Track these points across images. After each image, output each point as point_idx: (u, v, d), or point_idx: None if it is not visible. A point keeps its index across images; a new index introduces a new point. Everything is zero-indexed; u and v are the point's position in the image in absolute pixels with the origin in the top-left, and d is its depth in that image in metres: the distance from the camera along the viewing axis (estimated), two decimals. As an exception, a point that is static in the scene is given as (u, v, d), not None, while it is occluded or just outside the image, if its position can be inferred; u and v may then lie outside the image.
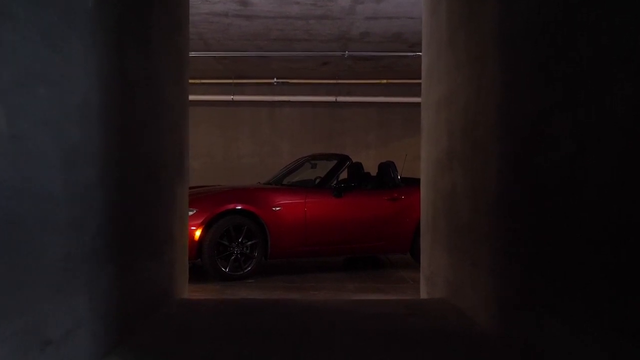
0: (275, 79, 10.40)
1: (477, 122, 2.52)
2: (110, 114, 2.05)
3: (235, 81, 10.41)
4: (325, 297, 5.71)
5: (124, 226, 2.18)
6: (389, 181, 7.54)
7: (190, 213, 6.44)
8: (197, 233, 6.37)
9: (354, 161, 7.53)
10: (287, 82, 10.43)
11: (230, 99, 10.45)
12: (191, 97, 10.48)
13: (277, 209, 6.71)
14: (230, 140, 10.74)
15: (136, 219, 2.34)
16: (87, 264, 1.83)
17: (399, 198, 7.35)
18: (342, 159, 7.43)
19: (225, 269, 6.46)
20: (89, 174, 1.84)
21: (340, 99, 10.44)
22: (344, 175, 7.56)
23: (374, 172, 7.93)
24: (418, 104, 10.80)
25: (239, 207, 6.56)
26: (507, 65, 2.23)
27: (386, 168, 7.62)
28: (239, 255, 6.52)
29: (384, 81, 10.43)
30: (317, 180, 7.46)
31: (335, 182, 7.20)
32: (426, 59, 3.56)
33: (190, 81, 10.42)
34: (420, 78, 10.39)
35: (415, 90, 10.66)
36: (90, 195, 1.84)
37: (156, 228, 2.65)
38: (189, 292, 6.20)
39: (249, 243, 6.55)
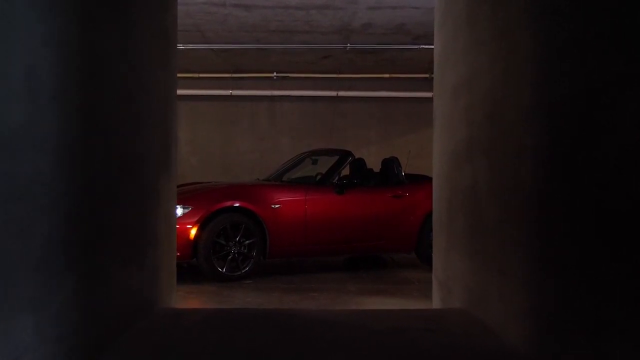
0: (275, 73, 9.99)
1: (505, 107, 2.13)
2: (69, 94, 1.66)
3: (234, 75, 10.00)
4: (327, 303, 5.31)
5: (89, 228, 1.80)
6: (393, 178, 7.14)
7: (185, 211, 6.06)
8: (193, 232, 5.98)
9: (356, 157, 7.13)
10: (287, 76, 10.02)
11: (229, 94, 10.04)
12: (189, 92, 10.14)
13: (277, 206, 6.32)
14: (229, 136, 10.34)
15: (107, 219, 1.95)
16: (33, 278, 1.44)
17: (403, 195, 6.95)
18: (344, 155, 7.03)
19: (222, 270, 6.07)
20: (36, 165, 1.45)
21: (342, 93, 10.04)
22: (346, 171, 7.16)
23: (375, 168, 7.53)
24: (421, 99, 10.51)
25: (237, 205, 6.16)
26: (545, 37, 1.84)
27: (390, 164, 7.22)
28: (236, 255, 6.13)
29: (387, 75, 10.02)
30: (318, 177, 7.05)
31: (337, 178, 6.80)
32: (439, 41, 3.17)
33: (188, 75, 10.09)
34: (423, 72, 10.06)
35: (419, 84, 10.37)
36: (37, 191, 1.45)
37: (135, 229, 2.26)
38: (184, 293, 5.83)
39: (247, 242, 6.16)
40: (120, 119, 2.09)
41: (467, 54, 2.58)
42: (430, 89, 10.16)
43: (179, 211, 6.07)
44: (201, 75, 10.01)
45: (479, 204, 2.45)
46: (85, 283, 1.77)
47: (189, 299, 5.46)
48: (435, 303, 3.18)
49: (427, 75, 10.07)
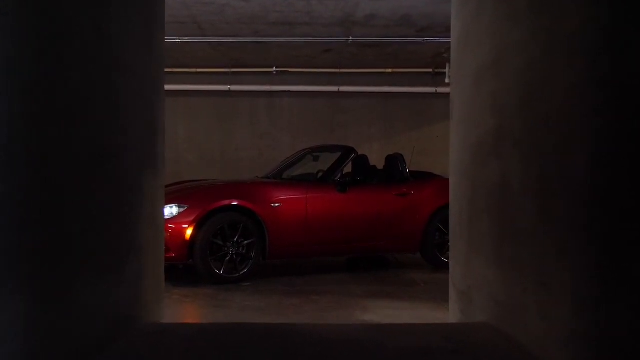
0: (274, 68, 9.62)
1: (546, 89, 1.77)
2: (11, 70, 1.31)
3: (233, 70, 9.63)
4: (330, 307, 4.95)
5: (46, 234, 1.45)
6: (397, 175, 6.77)
7: (181, 210, 5.71)
8: (188, 232, 5.62)
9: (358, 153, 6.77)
10: (287, 71, 9.65)
11: (227, 89, 9.67)
12: (186, 87, 9.75)
13: (276, 205, 5.96)
14: (227, 133, 9.98)
15: (73, 222, 1.60)
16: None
17: (408, 193, 6.59)
18: (347, 151, 6.67)
19: (220, 271, 5.72)
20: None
21: (343, 89, 9.67)
22: (348, 168, 6.80)
23: (377, 166, 7.16)
24: (425, 95, 10.13)
25: (235, 204, 5.80)
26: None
27: (394, 161, 6.86)
28: (234, 256, 5.77)
29: (389, 70, 9.65)
30: (320, 174, 6.69)
31: (339, 176, 6.44)
32: (458, 21, 2.80)
33: (185, 70, 9.70)
34: (427, 67, 9.68)
35: (422, 79, 10.01)
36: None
37: (111, 233, 1.90)
38: (179, 297, 5.47)
39: (246, 242, 5.80)
40: (92, 104, 1.73)
41: (494, 32, 2.23)
42: (434, 84, 9.85)
43: (174, 210, 5.72)
44: (198, 70, 9.64)
45: (509, 204, 2.09)
46: (40, 300, 1.42)
47: (184, 303, 5.10)
48: (453, 314, 2.83)
49: (430, 70, 9.71)
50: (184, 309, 4.99)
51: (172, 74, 9.66)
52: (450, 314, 2.93)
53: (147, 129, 2.32)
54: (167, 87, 9.62)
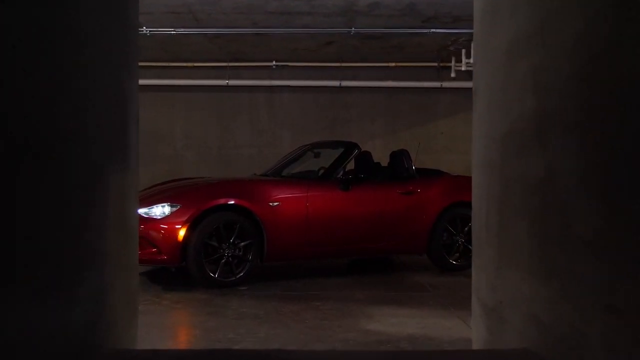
0: (274, 62, 9.16)
1: (622, 53, 1.34)
2: None
3: (231, 64, 9.17)
4: (332, 315, 4.51)
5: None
6: (403, 172, 6.33)
7: (173, 209, 5.27)
8: (181, 232, 5.18)
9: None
10: (287, 65, 9.20)
11: (225, 84, 9.22)
12: (182, 82, 9.26)
13: (275, 204, 5.52)
14: (225, 129, 9.53)
15: (2, 229, 1.17)
16: None
17: (415, 191, 6.15)
18: (349, 147, 6.22)
19: (214, 275, 5.28)
20: None
21: (345, 83, 9.21)
22: (350, 165, 6.36)
23: (380, 163, 6.71)
24: (429, 90, 9.62)
25: (231, 203, 5.36)
26: None
27: (399, 157, 6.41)
28: (230, 258, 5.33)
29: (393, 64, 9.19)
30: (321, 172, 6.25)
31: (341, 173, 5.99)
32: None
33: (181, 64, 9.21)
34: (432, 60, 9.17)
35: (427, 74, 9.54)
36: None
37: (57, 242, 1.47)
38: (170, 303, 5.01)
39: (242, 244, 5.36)
40: (34, 81, 1.29)
41: (536, -7, 1.79)
42: (439, 79, 9.39)
43: (167, 210, 5.28)
44: (196, 64, 9.18)
45: (558, 204, 1.65)
46: None
47: (174, 311, 4.66)
48: (478, 332, 2.38)
49: (435, 64, 9.25)
50: (174, 317, 4.55)
51: (168, 68, 9.22)
52: (474, 332, 2.49)
53: (114, 114, 1.88)
54: (163, 82, 9.19)
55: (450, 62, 8.83)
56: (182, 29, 7.34)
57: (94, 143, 1.73)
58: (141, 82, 8.88)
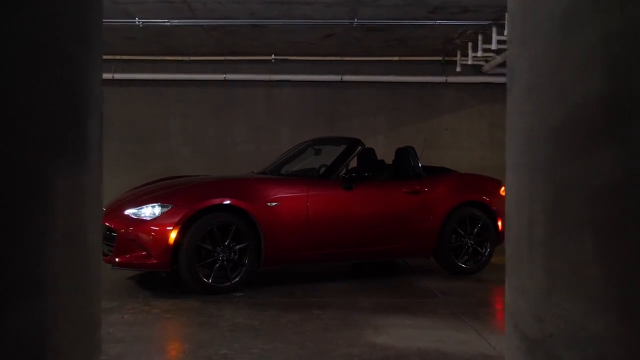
0: (272, 56, 8.70)
1: None
2: None
3: (228, 58, 8.71)
4: (335, 325, 4.07)
5: None
6: (409, 170, 5.89)
7: (164, 210, 4.83)
8: (172, 235, 4.74)
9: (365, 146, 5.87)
10: (287, 59, 8.73)
11: (223, 78, 8.76)
12: (178, 77, 8.77)
13: (273, 204, 5.07)
14: (223, 125, 9.07)
15: None
16: None
17: (421, 190, 5.70)
18: (353, 144, 5.78)
19: (208, 280, 4.84)
20: None
21: (346, 78, 8.75)
22: (353, 163, 5.92)
23: (384, 161, 6.26)
24: (434, 84, 9.11)
25: (226, 203, 4.92)
26: None
27: (405, 155, 5.97)
28: (224, 263, 4.89)
29: (396, 58, 8.73)
30: (322, 169, 5.81)
31: (344, 171, 5.55)
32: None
33: (177, 58, 8.71)
34: (436, 54, 8.63)
35: (431, 68, 9.05)
36: None
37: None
38: (160, 312, 4.49)
39: (238, 247, 4.92)
40: None
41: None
42: (443, 74, 8.90)
43: (157, 210, 4.85)
44: (191, 58, 8.72)
45: (641, 216, 1.21)
46: None
47: (163, 321, 4.22)
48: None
49: (440, 58, 8.80)
50: (163, 329, 4.11)
51: (163, 62, 8.77)
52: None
53: (61, 99, 1.43)
54: (158, 76, 8.70)
55: (456, 56, 8.37)
56: (177, 20, 6.89)
57: (36, 142, 1.29)
58: (135, 76, 8.42)
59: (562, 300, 1.62)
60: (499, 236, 5.96)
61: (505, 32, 6.52)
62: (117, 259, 4.85)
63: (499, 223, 5.93)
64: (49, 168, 1.39)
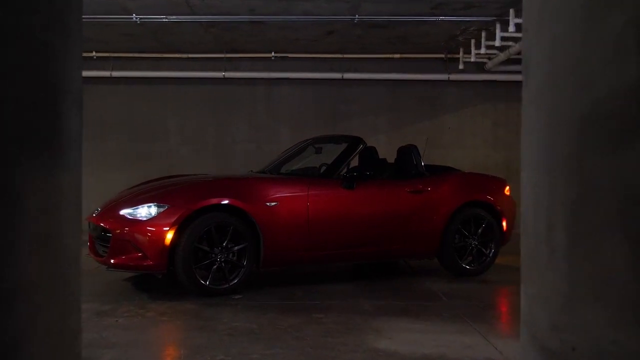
0: (272, 53, 8.55)
1: None
2: None
3: (227, 55, 8.57)
4: (336, 330, 3.92)
5: None
6: (411, 169, 5.73)
7: (160, 210, 4.68)
8: (169, 236, 4.59)
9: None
10: (287, 56, 8.59)
11: (222, 76, 8.61)
12: (177, 74, 8.59)
13: (273, 204, 4.92)
14: (222, 124, 8.92)
15: None
16: None
17: (424, 190, 5.55)
18: (354, 142, 5.62)
19: (205, 282, 4.68)
20: None
21: (347, 75, 8.60)
22: (355, 162, 5.76)
23: (385, 159, 6.10)
24: (436, 82, 8.93)
25: (224, 202, 4.77)
26: None
27: (407, 153, 5.81)
28: (222, 264, 4.73)
29: (397, 56, 8.58)
30: (323, 168, 5.66)
31: (345, 170, 5.40)
32: None
33: (176, 56, 8.55)
34: (438, 52, 8.46)
35: (433, 66, 8.88)
36: None
37: None
38: (155, 315, 4.31)
39: (236, 248, 4.77)
40: None
41: None
42: (446, 71, 8.74)
43: (153, 211, 4.69)
44: (190, 55, 8.58)
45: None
46: None
47: (159, 325, 4.07)
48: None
49: (442, 56, 8.64)
50: (158, 333, 3.96)
51: (161, 60, 8.62)
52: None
53: (35, 89, 1.28)
54: (156, 74, 8.55)
55: (458, 53, 8.23)
56: (174, 16, 6.74)
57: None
58: (133, 74, 8.26)
59: (586, 311, 1.46)
60: (504, 236, 5.81)
61: (510, 28, 6.38)
62: (112, 261, 4.69)
63: (504, 223, 5.78)
64: (19, 167, 1.24)
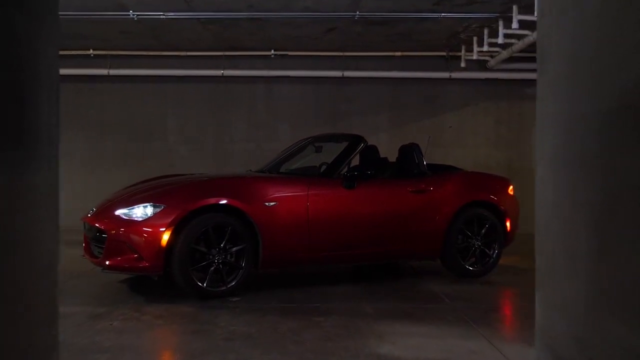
0: (272, 51, 8.41)
1: None
2: None
3: (227, 53, 8.42)
4: (337, 334, 3.77)
5: None
6: (413, 168, 5.59)
7: (156, 210, 4.54)
8: (165, 236, 4.45)
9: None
10: (287, 54, 8.44)
11: (221, 74, 8.47)
12: (175, 72, 8.41)
13: (272, 204, 4.78)
14: (221, 122, 8.78)
15: None
16: None
17: (427, 190, 5.40)
18: (355, 141, 5.47)
19: (203, 284, 4.54)
20: None
21: (348, 73, 8.45)
22: (355, 161, 5.61)
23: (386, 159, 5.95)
24: (437, 80, 8.75)
25: (222, 202, 4.62)
26: None
27: (409, 152, 5.67)
28: (220, 266, 4.59)
29: (398, 54, 8.44)
30: (323, 167, 5.52)
31: (345, 169, 5.25)
32: None
33: (174, 53, 8.41)
34: (440, 49, 8.26)
35: (435, 64, 8.72)
36: None
37: None
38: (151, 318, 4.09)
39: (234, 249, 4.63)
40: None
41: None
42: (447, 69, 8.57)
43: (149, 211, 4.55)
44: (189, 53, 8.43)
45: None
46: None
47: (154, 328, 3.92)
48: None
49: (444, 54, 8.50)
50: (153, 337, 3.81)
51: (159, 58, 8.47)
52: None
53: (4, 88, 1.13)
54: (155, 72, 8.38)
55: (460, 51, 8.08)
56: (172, 13, 6.59)
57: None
58: (131, 72, 8.12)
59: (611, 322, 1.32)
60: (508, 237, 5.67)
61: (513, 25, 6.23)
62: (107, 262, 4.55)
63: (508, 223, 5.63)
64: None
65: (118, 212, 4.65)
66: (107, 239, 4.57)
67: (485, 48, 7.18)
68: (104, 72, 8.38)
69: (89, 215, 4.93)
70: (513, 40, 7.01)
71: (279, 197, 4.81)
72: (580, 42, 1.50)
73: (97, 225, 4.70)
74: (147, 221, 4.51)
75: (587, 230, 1.45)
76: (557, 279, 1.61)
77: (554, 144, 1.64)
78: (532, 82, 8.61)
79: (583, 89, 1.48)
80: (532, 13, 5.91)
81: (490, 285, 5.33)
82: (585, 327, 1.45)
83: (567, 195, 1.56)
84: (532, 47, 7.04)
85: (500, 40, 6.71)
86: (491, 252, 5.53)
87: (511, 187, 5.89)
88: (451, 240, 5.38)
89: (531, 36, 6.64)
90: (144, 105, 8.68)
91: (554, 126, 1.64)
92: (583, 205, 1.47)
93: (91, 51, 8.34)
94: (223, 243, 4.58)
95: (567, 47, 1.55)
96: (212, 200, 4.60)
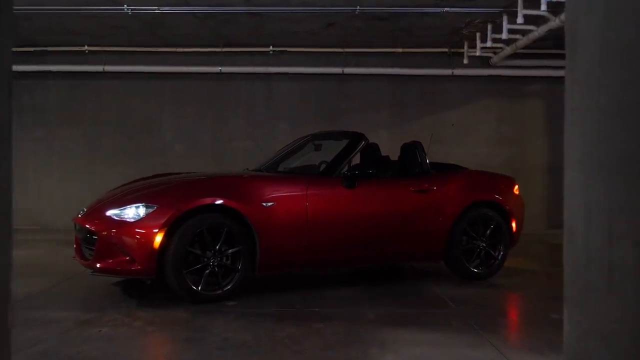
0: (271, 47, 8.18)
1: None
2: None
3: (224, 49, 8.19)
4: (337, 341, 3.55)
5: None
6: (416, 167, 5.36)
7: (149, 210, 4.32)
8: (157, 238, 4.22)
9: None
10: (286, 50, 8.21)
11: (218, 71, 8.24)
12: (171, 69, 8.15)
13: (269, 204, 4.55)
14: (219, 120, 8.55)
15: None
16: None
17: (430, 189, 5.18)
18: (355, 139, 5.25)
19: (197, 288, 4.32)
20: None
21: (348, 70, 8.23)
22: (356, 159, 5.39)
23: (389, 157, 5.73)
24: (439, 77, 8.44)
25: (217, 203, 4.40)
26: None
27: (412, 151, 5.44)
28: (215, 269, 4.37)
29: (400, 50, 8.21)
30: (323, 166, 5.29)
31: (346, 168, 5.03)
32: None
33: (170, 50, 8.12)
34: (441, 46, 7.99)
35: (437, 60, 8.45)
36: None
37: None
38: (143, 324, 3.75)
39: (230, 251, 4.41)
40: None
41: None
42: (449, 66, 8.29)
43: (141, 211, 4.33)
44: (185, 49, 8.20)
45: None
46: None
47: (145, 335, 3.70)
48: None
49: (446, 50, 8.28)
50: (144, 345, 3.59)
51: (156, 54, 8.24)
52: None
53: None
54: (151, 68, 8.11)
55: (463, 47, 7.85)
56: (167, 7, 6.37)
57: None
58: (127, 69, 7.84)
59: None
60: (513, 238, 5.45)
61: (518, 20, 5.99)
62: (97, 265, 4.33)
63: (513, 224, 5.41)
64: None
65: (109, 212, 4.43)
66: (97, 241, 4.35)
67: (489, 44, 6.96)
68: (99, 68, 8.16)
69: (80, 215, 4.71)
70: (517, 36, 6.79)
71: (277, 197, 4.59)
72: (617, 23, 1.27)
73: (87, 226, 4.48)
74: (139, 222, 4.29)
75: (628, 238, 1.23)
76: (593, 297, 1.38)
77: (585, 144, 1.41)
78: (535, 80, 8.41)
79: (625, 78, 1.26)
80: (538, 7, 5.68)
81: (496, 288, 5.11)
82: (632, 356, 1.23)
83: (602, 199, 1.33)
84: (536, 43, 6.82)
85: (504, 35, 6.49)
86: (496, 254, 5.32)
87: (517, 187, 5.68)
88: (455, 241, 5.16)
89: (536, 31, 6.41)
90: (139, 102, 8.46)
91: (586, 124, 1.41)
92: (623, 211, 1.24)
93: (86, 47, 8.12)
94: (219, 245, 4.36)
95: (602, 31, 1.32)
96: (208, 201, 4.38)
